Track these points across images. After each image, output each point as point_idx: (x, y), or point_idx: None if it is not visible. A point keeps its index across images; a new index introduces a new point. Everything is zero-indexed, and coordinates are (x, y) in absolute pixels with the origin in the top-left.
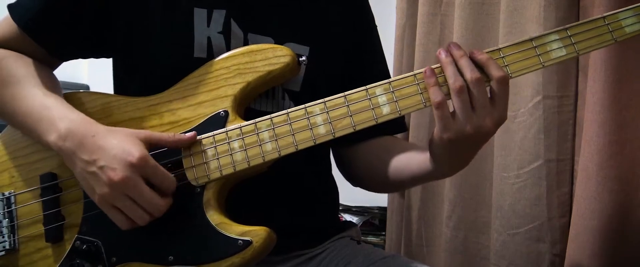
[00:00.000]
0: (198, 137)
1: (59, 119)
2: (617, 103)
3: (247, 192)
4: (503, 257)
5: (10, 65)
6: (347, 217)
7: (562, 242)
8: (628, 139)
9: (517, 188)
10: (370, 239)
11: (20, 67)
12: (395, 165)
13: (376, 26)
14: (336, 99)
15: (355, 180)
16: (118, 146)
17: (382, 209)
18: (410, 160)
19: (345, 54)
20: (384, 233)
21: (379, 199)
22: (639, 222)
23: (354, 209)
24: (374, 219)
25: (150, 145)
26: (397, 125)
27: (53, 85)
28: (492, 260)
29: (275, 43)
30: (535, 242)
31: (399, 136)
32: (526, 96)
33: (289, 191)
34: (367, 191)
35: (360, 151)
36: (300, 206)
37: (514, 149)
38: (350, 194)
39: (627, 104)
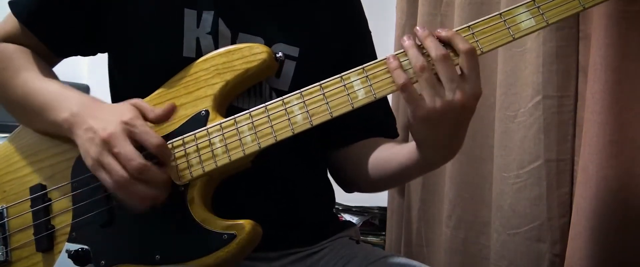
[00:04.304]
0: (180, 137)
1: (69, 98)
2: (617, 103)
3: (238, 189)
4: (503, 257)
5: (20, 58)
6: (347, 217)
7: (562, 242)
8: (628, 139)
9: (517, 188)
10: (370, 239)
11: (30, 60)
12: (384, 157)
13: (369, 31)
14: (312, 88)
15: (347, 183)
16: (114, 111)
17: (382, 209)
18: (398, 151)
19: (335, 55)
20: (384, 233)
21: (379, 199)
22: (639, 223)
23: (354, 209)
24: (374, 219)
25: (138, 109)
26: (388, 130)
27: (56, 77)
28: (492, 260)
29: (265, 44)
30: (535, 242)
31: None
32: (526, 96)
33: (279, 187)
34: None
35: (351, 152)
36: (293, 202)
37: (513, 149)
38: (350, 194)
39: (627, 105)
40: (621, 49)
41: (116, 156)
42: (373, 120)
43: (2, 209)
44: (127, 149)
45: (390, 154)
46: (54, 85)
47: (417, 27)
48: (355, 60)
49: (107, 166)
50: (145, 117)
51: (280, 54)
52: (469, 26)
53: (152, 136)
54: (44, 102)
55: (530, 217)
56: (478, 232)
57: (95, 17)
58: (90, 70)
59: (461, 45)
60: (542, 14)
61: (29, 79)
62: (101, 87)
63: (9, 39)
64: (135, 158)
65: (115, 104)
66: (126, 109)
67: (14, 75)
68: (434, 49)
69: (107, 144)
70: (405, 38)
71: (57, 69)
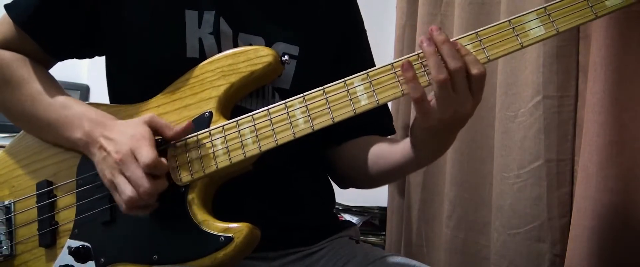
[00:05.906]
0: (183, 138)
1: (80, 117)
2: (617, 104)
3: (238, 190)
4: (503, 257)
5: (20, 68)
6: (347, 217)
7: (562, 242)
8: (628, 139)
9: (517, 188)
10: (370, 239)
11: (30, 70)
12: (378, 155)
13: (365, 29)
14: (315, 92)
15: (341, 179)
16: (126, 131)
17: (382, 209)
18: (393, 148)
19: (334, 54)
20: (384, 233)
21: (379, 199)
22: (639, 223)
23: (354, 209)
24: (374, 219)
25: (154, 127)
26: (385, 129)
27: (58, 86)
28: (492, 260)
29: (265, 43)
30: (535, 242)
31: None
32: (526, 96)
33: (280, 188)
34: (367, 191)
35: (346, 149)
36: (293, 203)
37: (514, 149)
38: (350, 194)
39: (627, 105)
40: (621, 49)
41: (128, 179)
42: (370, 120)
43: (10, 204)
44: (137, 174)
45: (385, 152)
46: (60, 100)
47: (433, 28)
48: (352, 58)
49: (118, 186)
50: (163, 135)
51: (286, 57)
52: (476, 33)
53: (143, 180)
54: (55, 120)
55: (530, 217)
56: (478, 232)
57: (93, 19)
58: (90, 70)
59: (473, 68)
60: (553, 21)
61: (35, 92)
62: (101, 87)
63: (4, 43)
64: (144, 184)
65: (128, 121)
66: (138, 131)
67: (18, 88)
68: (453, 60)
69: (119, 165)
70: (425, 42)
71: (57, 69)
